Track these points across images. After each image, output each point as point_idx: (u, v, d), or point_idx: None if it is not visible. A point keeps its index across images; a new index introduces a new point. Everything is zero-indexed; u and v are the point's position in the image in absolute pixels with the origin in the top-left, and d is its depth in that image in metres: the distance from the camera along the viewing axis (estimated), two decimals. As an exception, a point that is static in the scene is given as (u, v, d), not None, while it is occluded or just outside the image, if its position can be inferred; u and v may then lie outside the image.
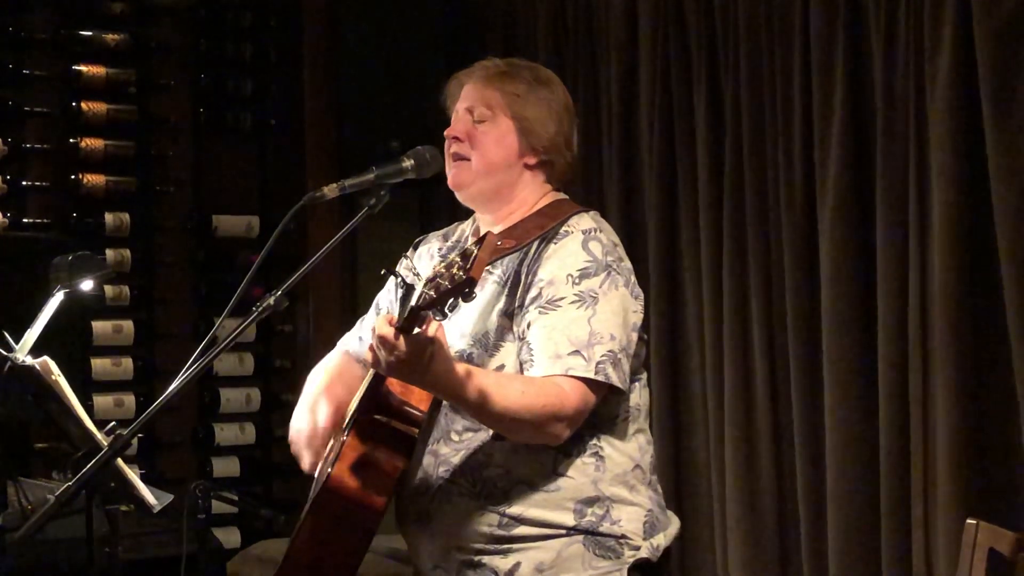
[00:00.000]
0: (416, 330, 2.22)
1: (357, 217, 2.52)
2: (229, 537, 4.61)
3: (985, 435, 3.35)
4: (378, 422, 2.47)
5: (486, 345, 2.51)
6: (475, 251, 2.13)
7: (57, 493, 2.23)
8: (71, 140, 4.59)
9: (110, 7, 4.68)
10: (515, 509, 2.49)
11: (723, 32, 4.01)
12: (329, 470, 2.44)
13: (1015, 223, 3.23)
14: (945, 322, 3.36)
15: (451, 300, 2.15)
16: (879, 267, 3.57)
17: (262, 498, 4.85)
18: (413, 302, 2.18)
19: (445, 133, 2.66)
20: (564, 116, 2.66)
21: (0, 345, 2.86)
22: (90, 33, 4.63)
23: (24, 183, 4.53)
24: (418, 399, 2.48)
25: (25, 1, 4.57)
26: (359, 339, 2.83)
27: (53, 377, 2.80)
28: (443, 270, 2.16)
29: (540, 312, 2.47)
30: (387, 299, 2.81)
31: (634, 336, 2.54)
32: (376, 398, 2.48)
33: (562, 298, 2.47)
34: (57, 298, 2.97)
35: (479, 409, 2.38)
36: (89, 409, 4.18)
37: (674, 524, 2.63)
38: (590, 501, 2.51)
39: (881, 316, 3.55)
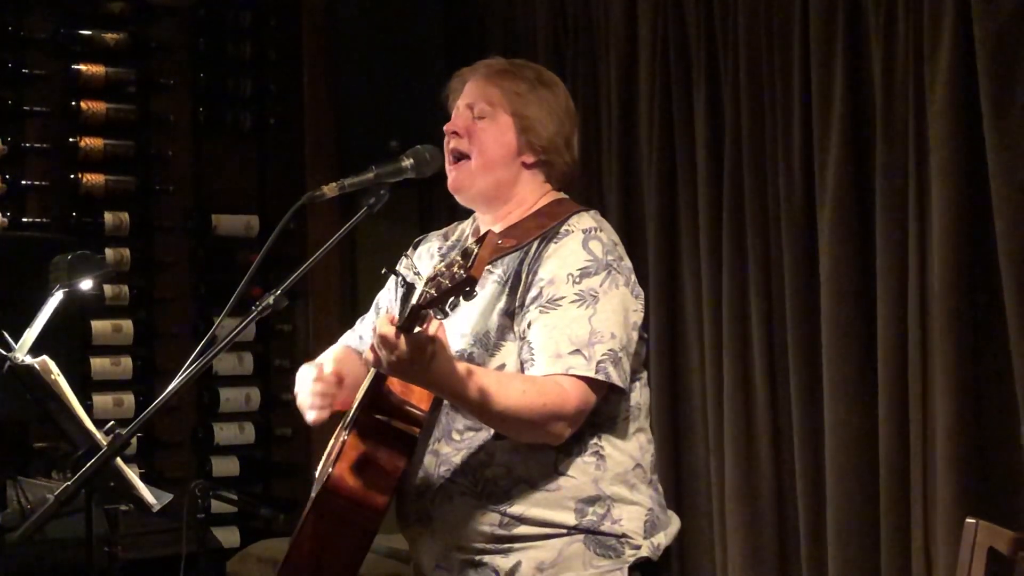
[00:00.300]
0: (417, 329, 2.22)
1: (357, 216, 2.52)
2: (228, 537, 4.61)
3: (985, 434, 3.35)
4: (379, 421, 2.47)
5: (487, 344, 2.51)
6: (476, 250, 2.13)
7: (56, 493, 2.23)
8: (71, 139, 4.59)
9: (110, 6, 4.68)
10: (516, 508, 2.49)
11: (723, 32, 4.01)
12: (330, 469, 2.44)
13: (1015, 223, 3.23)
14: (945, 322, 3.36)
15: (452, 299, 2.15)
16: (879, 267, 3.56)
17: (261, 497, 4.85)
18: (414, 301, 2.18)
19: (445, 128, 2.66)
20: (565, 118, 2.66)
21: (0, 344, 2.86)
22: (90, 32, 4.63)
23: (24, 182, 4.53)
24: (419, 398, 2.48)
25: (25, 0, 4.57)
26: (359, 338, 2.83)
27: (52, 376, 2.80)
28: (444, 269, 2.16)
29: (541, 311, 2.47)
30: (387, 298, 2.82)
31: (634, 335, 2.54)
32: (377, 397, 2.48)
33: (563, 297, 2.47)
34: (56, 297, 2.97)
35: (480, 408, 2.38)
36: (88, 408, 4.17)
37: (674, 523, 2.63)
38: (591, 500, 2.51)
39: (881, 316, 3.55)
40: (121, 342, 4.63)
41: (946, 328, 3.36)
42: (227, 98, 4.91)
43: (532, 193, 2.65)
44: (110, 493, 2.66)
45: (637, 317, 2.55)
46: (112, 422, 2.67)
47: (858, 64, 3.63)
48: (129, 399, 4.60)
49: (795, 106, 3.78)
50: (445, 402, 2.50)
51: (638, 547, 2.53)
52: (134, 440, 2.74)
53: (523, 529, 2.49)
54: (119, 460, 2.64)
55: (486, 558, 2.51)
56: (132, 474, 2.77)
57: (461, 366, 2.34)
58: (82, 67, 4.60)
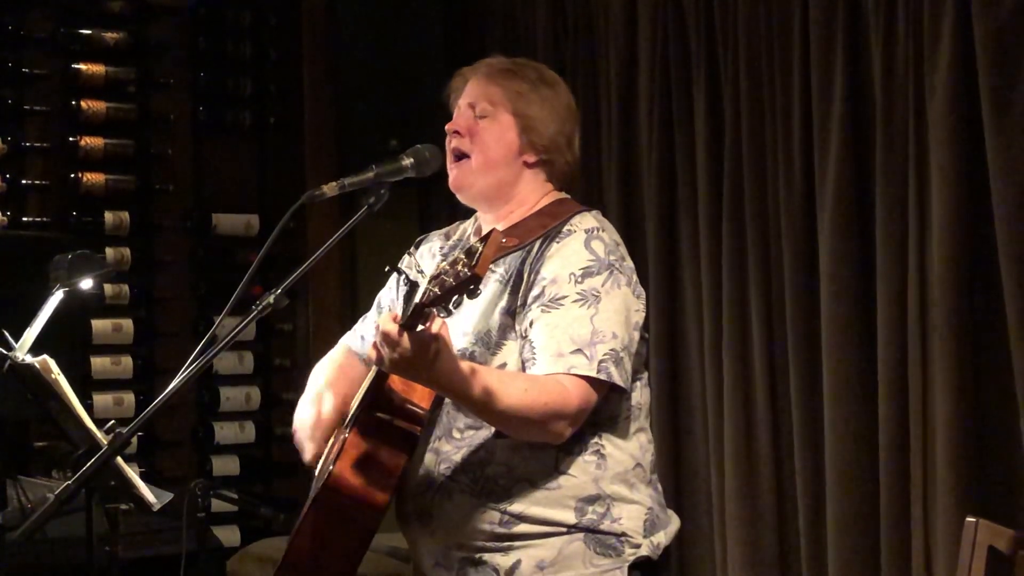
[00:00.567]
0: (420, 327, 2.22)
1: (357, 215, 2.52)
2: (229, 536, 4.61)
3: (984, 433, 3.35)
4: (380, 419, 2.47)
5: (488, 343, 2.51)
6: (480, 248, 2.13)
7: (57, 492, 2.23)
8: (71, 139, 4.59)
9: (110, 6, 4.69)
10: (516, 507, 2.49)
11: (723, 32, 4.01)
12: (331, 467, 2.43)
13: (1015, 223, 3.23)
14: (945, 321, 3.36)
15: (455, 297, 2.15)
16: (879, 266, 3.56)
17: (262, 497, 4.85)
18: (417, 299, 2.17)
19: (446, 127, 2.66)
20: (566, 117, 2.66)
21: (0, 344, 2.86)
22: (89, 32, 4.63)
23: (24, 182, 4.53)
24: (420, 396, 2.48)
25: (25, -1, 4.58)
26: (361, 337, 2.83)
27: (53, 376, 2.80)
28: (448, 267, 2.16)
29: (542, 311, 2.47)
30: (389, 297, 2.82)
31: (636, 335, 2.54)
32: (379, 395, 2.47)
33: (564, 297, 2.47)
34: (57, 297, 2.97)
35: (482, 407, 2.38)
36: (89, 408, 4.18)
37: (674, 523, 2.63)
38: (591, 499, 2.51)
39: (881, 315, 3.55)
40: (121, 341, 4.63)
41: (946, 328, 3.36)
42: (227, 97, 4.91)
43: (534, 193, 2.65)
44: (110, 492, 2.66)
45: (639, 317, 2.56)
46: (112, 421, 2.68)
47: (858, 64, 3.63)
48: (129, 398, 4.60)
49: (795, 106, 3.78)
50: (446, 400, 2.50)
51: (638, 546, 2.53)
52: (134, 439, 2.73)
53: (523, 527, 2.49)
54: (119, 459, 2.64)
55: (486, 556, 2.51)
56: (132, 473, 2.77)
57: (464, 364, 2.34)
58: (82, 66, 4.60)
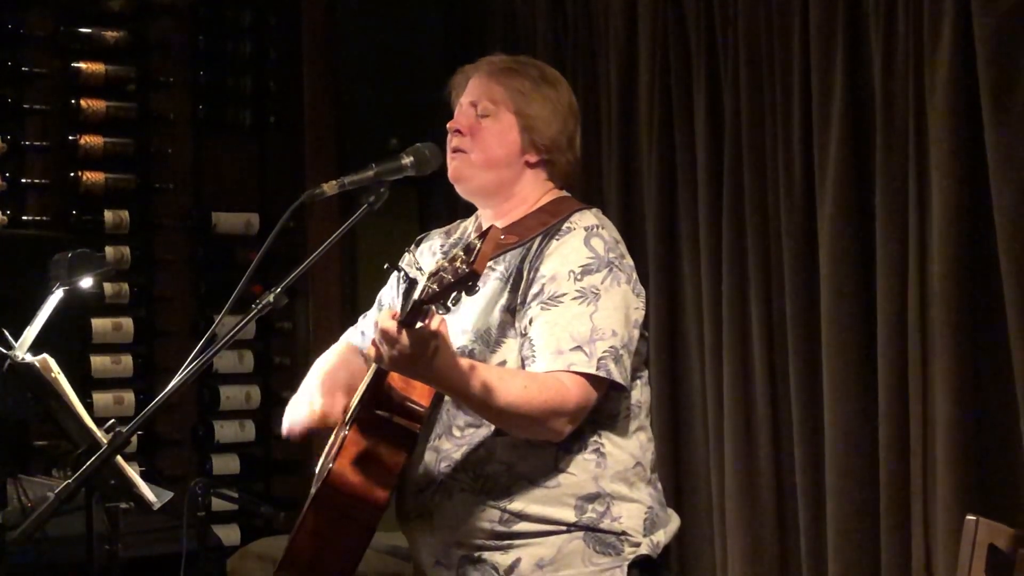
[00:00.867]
0: (419, 324, 2.22)
1: (357, 214, 2.52)
2: (229, 534, 4.61)
3: (984, 432, 3.35)
4: (380, 417, 2.47)
5: (488, 341, 2.51)
6: (478, 245, 2.13)
7: (57, 491, 2.23)
8: (70, 137, 4.58)
9: (109, 4, 4.67)
10: (516, 505, 2.49)
11: (723, 32, 4.01)
12: (330, 465, 2.43)
13: (1015, 222, 3.23)
14: (945, 320, 3.36)
15: (454, 293, 2.15)
16: (879, 266, 3.57)
17: (262, 495, 4.85)
18: (416, 296, 2.17)
19: (448, 125, 2.66)
20: (568, 116, 2.66)
21: (0, 343, 2.86)
22: (89, 30, 4.62)
23: (23, 181, 4.52)
24: (420, 394, 2.48)
25: (25, -2, 4.58)
26: (362, 333, 2.83)
27: (53, 374, 2.80)
28: (446, 264, 2.16)
29: (542, 308, 2.47)
30: (389, 295, 2.82)
31: (636, 333, 2.54)
32: (378, 393, 2.47)
33: (564, 294, 2.47)
34: (56, 295, 2.97)
35: (481, 404, 2.38)
36: (89, 406, 4.18)
37: (674, 521, 2.63)
38: (591, 498, 2.51)
39: (880, 315, 3.55)
40: (121, 340, 4.62)
41: (946, 327, 3.36)
42: (227, 96, 4.91)
43: (534, 191, 2.65)
44: (110, 491, 2.66)
45: (638, 315, 2.56)
46: (112, 420, 2.68)
47: (858, 64, 3.63)
48: (129, 397, 4.59)
49: (795, 106, 3.78)
50: (446, 398, 2.50)
51: (637, 545, 2.53)
52: (134, 438, 2.74)
53: (523, 526, 2.49)
54: (119, 458, 2.64)
55: (486, 554, 2.51)
56: (132, 472, 2.77)
57: (463, 362, 2.35)
58: (82, 65, 4.60)
